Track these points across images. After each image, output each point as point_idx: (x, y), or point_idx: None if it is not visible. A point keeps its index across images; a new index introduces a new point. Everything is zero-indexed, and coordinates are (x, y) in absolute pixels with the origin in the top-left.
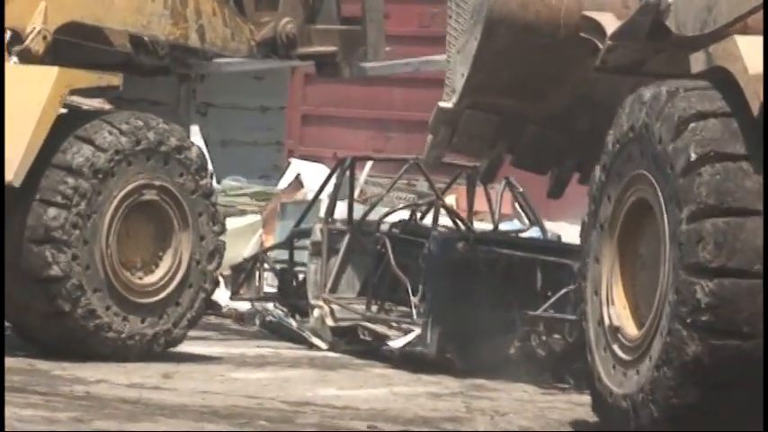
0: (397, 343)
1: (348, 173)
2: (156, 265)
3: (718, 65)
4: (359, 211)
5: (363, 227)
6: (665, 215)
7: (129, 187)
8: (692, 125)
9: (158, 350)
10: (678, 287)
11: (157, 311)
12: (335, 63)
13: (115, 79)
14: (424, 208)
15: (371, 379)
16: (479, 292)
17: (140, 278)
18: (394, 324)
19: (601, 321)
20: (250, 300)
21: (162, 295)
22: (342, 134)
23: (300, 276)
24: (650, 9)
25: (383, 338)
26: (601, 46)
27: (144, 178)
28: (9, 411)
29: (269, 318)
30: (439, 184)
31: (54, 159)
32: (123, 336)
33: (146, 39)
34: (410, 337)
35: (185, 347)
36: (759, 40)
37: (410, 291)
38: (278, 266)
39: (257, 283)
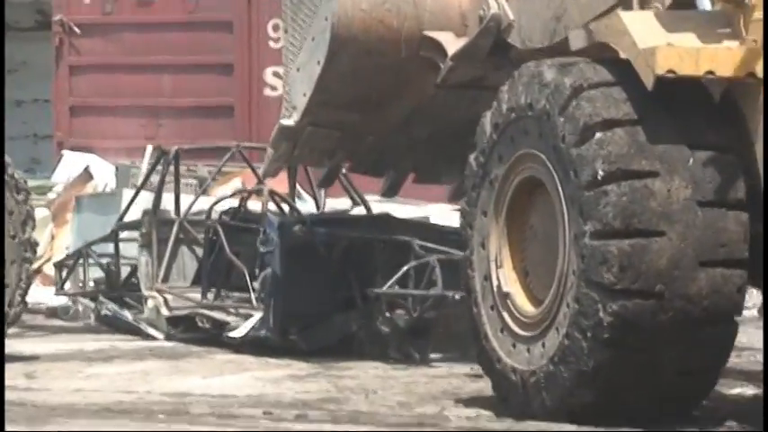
0: (240, 330)
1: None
2: None
3: (601, 41)
4: None
5: (191, 216)
6: (565, 214)
7: None
8: (599, 135)
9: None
10: (579, 298)
11: None
12: None
13: None
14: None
15: (225, 366)
16: (319, 273)
17: None
18: (232, 310)
19: (488, 277)
20: (75, 295)
21: None
22: (112, 123)
23: (125, 269)
24: (490, 31)
25: (222, 325)
26: (441, 65)
27: None
28: None
29: (104, 311)
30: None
31: None
32: None
33: None
34: (252, 321)
35: (20, 346)
36: (643, 14)
37: (248, 276)
38: (103, 260)
39: (81, 278)
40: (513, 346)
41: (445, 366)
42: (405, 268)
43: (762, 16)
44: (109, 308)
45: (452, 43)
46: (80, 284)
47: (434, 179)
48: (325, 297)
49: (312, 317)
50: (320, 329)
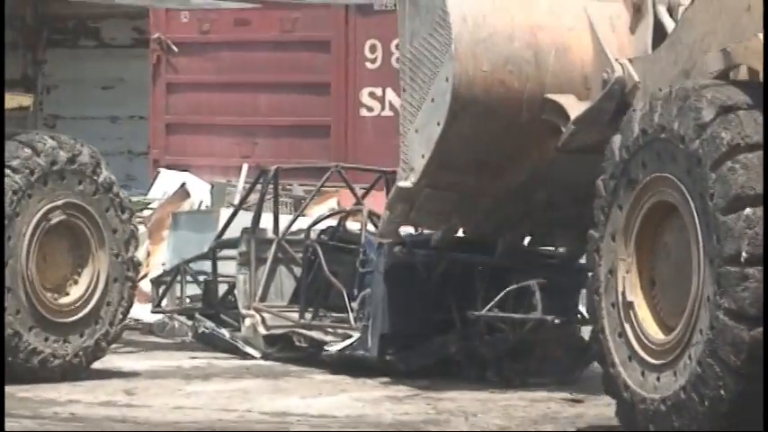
0: (336, 347)
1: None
2: (79, 275)
3: (739, 63)
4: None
5: (289, 235)
6: (702, 269)
7: (36, 219)
8: (748, 211)
9: (105, 347)
10: (713, 323)
11: (92, 318)
12: None
13: (26, 99)
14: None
15: (323, 386)
16: (418, 294)
17: (68, 294)
18: (330, 330)
19: (613, 271)
20: (172, 312)
21: (92, 303)
22: (208, 141)
23: (222, 287)
24: (614, 94)
25: (320, 344)
26: (563, 128)
27: (46, 203)
28: None
29: (201, 329)
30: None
31: None
32: (68, 352)
33: None
34: (350, 340)
35: (118, 362)
36: None
37: (346, 296)
38: (200, 278)
39: (178, 295)
40: (629, 359)
41: (544, 390)
42: (504, 291)
43: None
44: (206, 326)
45: (575, 107)
46: (177, 301)
47: (549, 243)
48: (424, 318)
49: (410, 338)
50: (418, 351)
